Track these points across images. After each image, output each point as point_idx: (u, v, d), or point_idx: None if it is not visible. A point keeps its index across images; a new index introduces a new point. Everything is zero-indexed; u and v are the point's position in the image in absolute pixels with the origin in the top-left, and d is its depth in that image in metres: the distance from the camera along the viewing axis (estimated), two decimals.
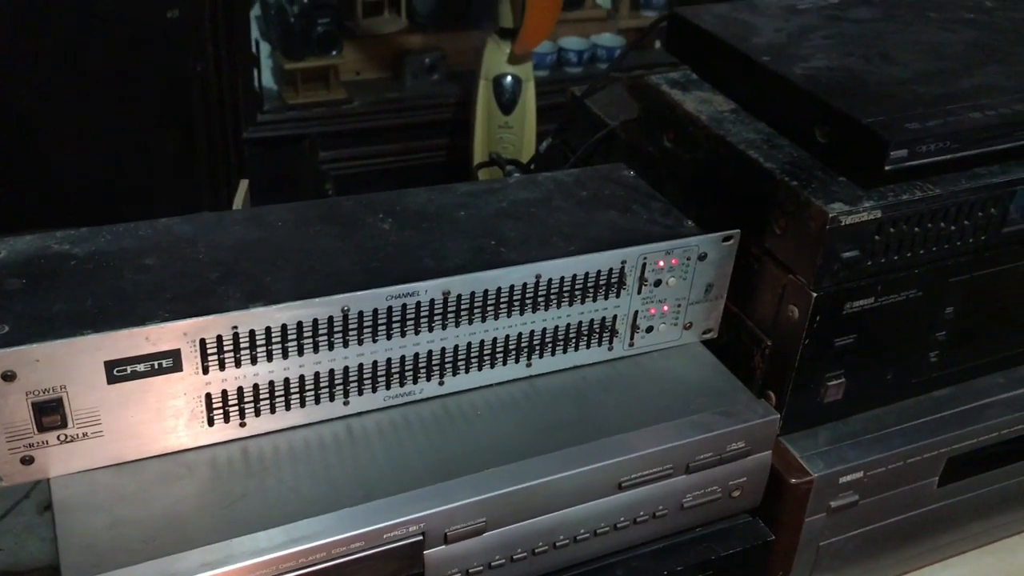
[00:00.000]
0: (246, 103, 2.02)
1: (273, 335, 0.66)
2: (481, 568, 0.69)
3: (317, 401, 0.70)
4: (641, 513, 0.74)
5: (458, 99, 2.16)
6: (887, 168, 0.72)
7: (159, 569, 0.59)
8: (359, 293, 0.67)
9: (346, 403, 0.71)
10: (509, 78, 1.87)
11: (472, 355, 0.74)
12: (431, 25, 2.26)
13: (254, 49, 2.03)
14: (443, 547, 0.66)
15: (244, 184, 1.72)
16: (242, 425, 0.69)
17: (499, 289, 0.72)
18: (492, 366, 0.75)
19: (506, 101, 1.87)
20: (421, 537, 0.65)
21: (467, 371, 0.74)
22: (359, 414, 0.72)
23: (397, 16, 2.25)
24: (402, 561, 0.65)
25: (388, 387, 0.72)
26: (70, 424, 0.63)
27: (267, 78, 2.16)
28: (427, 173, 2.20)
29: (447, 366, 0.73)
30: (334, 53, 2.12)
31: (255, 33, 2.07)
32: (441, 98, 2.21)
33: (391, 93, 2.24)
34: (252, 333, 0.65)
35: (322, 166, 2.15)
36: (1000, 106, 0.78)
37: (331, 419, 0.71)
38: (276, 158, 2.11)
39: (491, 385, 0.76)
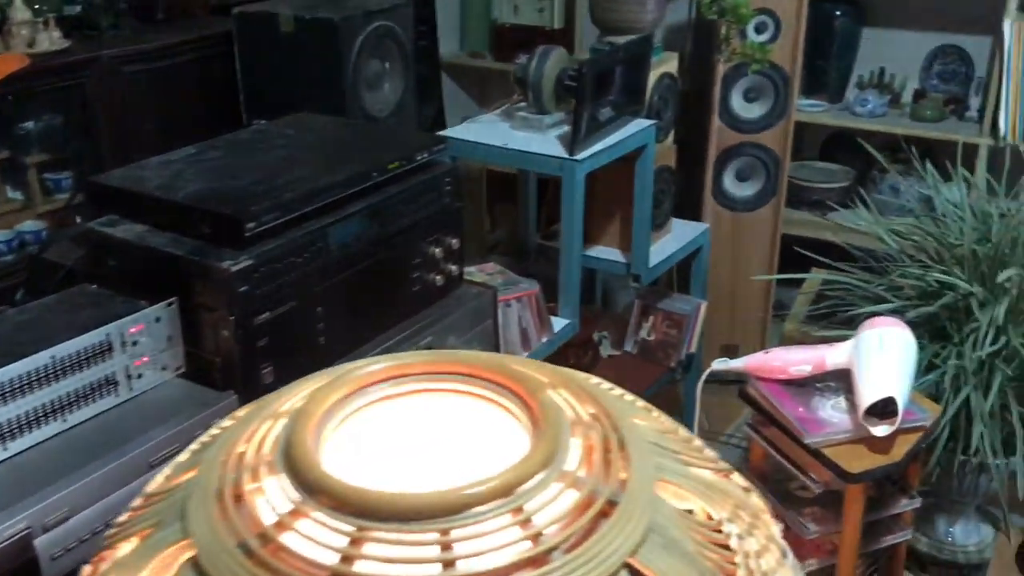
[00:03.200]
0: None
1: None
2: (75, 543, 1.04)
3: None
4: None
5: None
6: (247, 235, 1.23)
7: None
8: None
9: None
10: None
11: (33, 418, 1.09)
12: None
13: None
14: (45, 535, 1.01)
15: None
16: None
17: (29, 372, 1.09)
18: (52, 423, 1.11)
19: None
20: (29, 530, 0.99)
21: (32, 431, 1.09)
22: None
23: None
24: (17, 550, 0.99)
25: None
26: None
27: None
28: None
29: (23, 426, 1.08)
30: None
31: None
32: None
33: None
34: None
35: None
36: (300, 189, 1.34)
37: None
38: None
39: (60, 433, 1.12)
